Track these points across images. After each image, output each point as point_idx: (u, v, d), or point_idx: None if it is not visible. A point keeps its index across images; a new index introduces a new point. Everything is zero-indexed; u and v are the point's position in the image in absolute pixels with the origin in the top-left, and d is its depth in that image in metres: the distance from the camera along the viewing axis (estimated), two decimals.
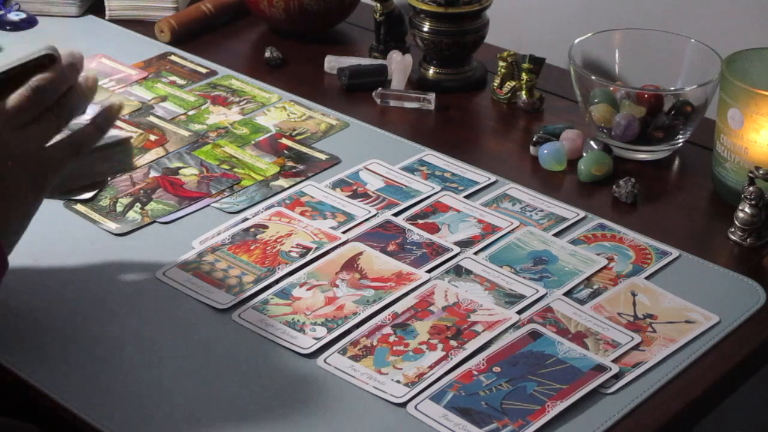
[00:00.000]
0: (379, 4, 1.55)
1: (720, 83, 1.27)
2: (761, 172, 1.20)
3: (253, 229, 1.23)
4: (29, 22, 1.65)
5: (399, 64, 1.50)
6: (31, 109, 1.02)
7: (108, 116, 1.08)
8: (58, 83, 1.03)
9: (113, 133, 1.12)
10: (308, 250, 1.20)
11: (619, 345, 1.08)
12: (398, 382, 1.04)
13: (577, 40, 1.39)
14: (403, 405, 1.02)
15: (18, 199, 1.03)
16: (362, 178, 1.32)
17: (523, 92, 1.46)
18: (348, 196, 1.29)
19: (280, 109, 1.46)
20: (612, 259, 1.19)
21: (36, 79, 1.02)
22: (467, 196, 1.29)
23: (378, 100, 1.48)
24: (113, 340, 1.09)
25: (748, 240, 1.23)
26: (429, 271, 1.17)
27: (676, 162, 1.38)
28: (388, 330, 1.10)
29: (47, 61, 1.03)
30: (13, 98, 1.01)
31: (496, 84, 1.49)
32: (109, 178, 1.21)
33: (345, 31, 1.67)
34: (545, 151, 1.35)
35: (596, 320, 1.11)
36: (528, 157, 1.37)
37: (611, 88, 1.36)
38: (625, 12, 1.56)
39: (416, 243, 1.21)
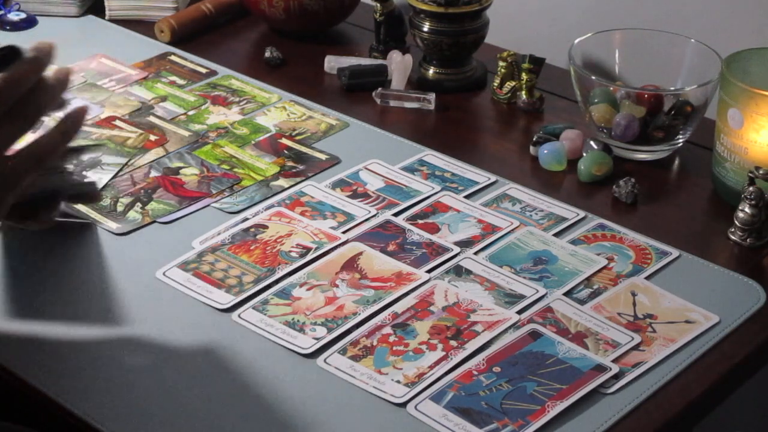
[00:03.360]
0: (379, 4, 1.55)
1: (720, 83, 1.27)
2: (761, 172, 1.20)
3: (253, 229, 1.23)
4: (29, 22, 1.65)
5: (399, 64, 1.50)
6: None
7: (75, 121, 0.94)
8: (19, 82, 0.89)
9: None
10: (308, 250, 1.20)
11: (619, 345, 1.08)
12: (398, 382, 1.04)
13: (577, 40, 1.39)
14: (403, 405, 1.02)
15: None
16: (362, 178, 1.32)
17: (523, 92, 1.46)
18: (348, 196, 1.29)
19: (280, 109, 1.46)
20: (612, 259, 1.19)
21: None
22: (467, 196, 1.29)
23: (378, 100, 1.48)
24: (113, 340, 1.09)
25: (748, 240, 1.22)
26: (429, 271, 1.17)
27: (676, 162, 1.37)
28: (388, 330, 1.09)
29: (9, 56, 0.90)
30: None
31: (496, 84, 1.49)
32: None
33: (345, 31, 1.66)
34: (545, 151, 1.35)
35: (596, 320, 1.11)
36: (528, 157, 1.37)
37: (611, 88, 1.36)
38: (625, 12, 1.56)
39: (416, 243, 1.21)
